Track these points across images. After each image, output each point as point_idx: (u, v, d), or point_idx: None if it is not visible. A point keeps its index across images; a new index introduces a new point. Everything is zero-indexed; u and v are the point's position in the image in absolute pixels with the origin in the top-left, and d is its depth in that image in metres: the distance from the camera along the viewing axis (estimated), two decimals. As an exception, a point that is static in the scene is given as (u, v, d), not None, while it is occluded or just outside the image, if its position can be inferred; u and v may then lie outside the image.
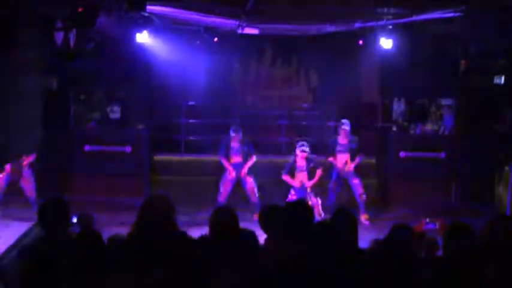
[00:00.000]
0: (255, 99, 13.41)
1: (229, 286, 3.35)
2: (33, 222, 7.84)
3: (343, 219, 3.84)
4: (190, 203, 9.29)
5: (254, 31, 10.21)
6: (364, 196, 9.36)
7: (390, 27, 9.52)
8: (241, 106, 12.92)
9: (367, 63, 12.50)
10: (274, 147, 12.17)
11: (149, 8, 8.06)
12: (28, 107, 7.91)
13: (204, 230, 3.95)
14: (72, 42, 8.12)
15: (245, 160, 9.40)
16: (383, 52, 10.62)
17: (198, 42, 11.10)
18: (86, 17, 7.28)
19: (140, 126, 11.16)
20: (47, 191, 8.48)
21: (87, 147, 10.75)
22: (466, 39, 10.27)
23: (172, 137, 12.29)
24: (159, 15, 8.98)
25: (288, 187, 9.03)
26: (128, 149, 10.81)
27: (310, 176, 8.89)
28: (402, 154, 11.05)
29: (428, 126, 12.07)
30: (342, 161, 9.41)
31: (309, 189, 8.82)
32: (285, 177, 8.96)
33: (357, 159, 9.39)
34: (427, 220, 4.54)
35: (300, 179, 8.87)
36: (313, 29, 9.96)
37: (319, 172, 8.89)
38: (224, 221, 3.88)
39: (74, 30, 8.17)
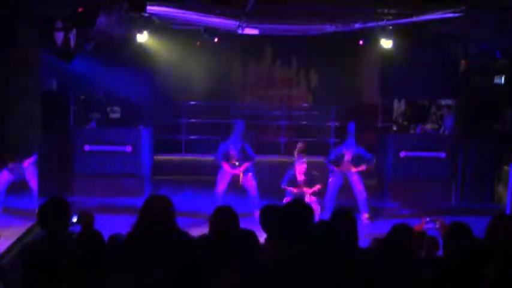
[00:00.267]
0: (255, 99, 13.41)
1: (229, 286, 3.35)
2: (33, 222, 7.83)
3: (343, 219, 3.84)
4: (190, 202, 9.29)
5: (254, 31, 10.19)
6: (364, 193, 9.30)
7: (390, 27, 9.52)
8: (241, 106, 12.92)
9: (367, 63, 12.52)
10: (274, 147, 12.18)
11: (149, 8, 8.05)
12: (28, 107, 7.89)
13: (204, 230, 3.96)
14: (72, 42, 8.14)
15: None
16: (383, 52, 10.64)
17: (198, 42, 11.11)
18: (86, 17, 7.29)
19: (140, 126, 11.16)
20: (47, 191, 8.47)
21: (87, 147, 10.74)
22: (466, 39, 10.28)
23: (173, 137, 12.30)
24: (159, 16, 8.98)
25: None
26: (128, 149, 10.81)
27: (310, 185, 8.77)
28: (402, 154, 11.05)
29: (429, 126, 12.08)
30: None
31: (308, 196, 8.67)
32: (285, 187, 8.88)
33: (361, 167, 9.28)
34: (427, 220, 4.53)
35: (299, 191, 8.76)
36: (313, 29, 9.95)
37: (318, 186, 8.80)
38: (224, 221, 3.89)
39: (74, 30, 8.19)
